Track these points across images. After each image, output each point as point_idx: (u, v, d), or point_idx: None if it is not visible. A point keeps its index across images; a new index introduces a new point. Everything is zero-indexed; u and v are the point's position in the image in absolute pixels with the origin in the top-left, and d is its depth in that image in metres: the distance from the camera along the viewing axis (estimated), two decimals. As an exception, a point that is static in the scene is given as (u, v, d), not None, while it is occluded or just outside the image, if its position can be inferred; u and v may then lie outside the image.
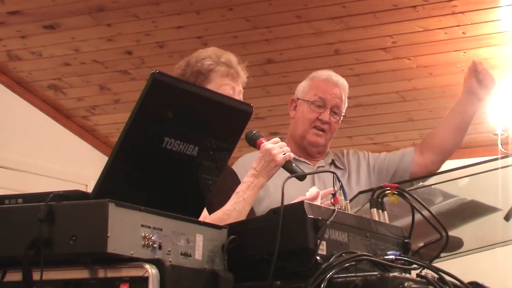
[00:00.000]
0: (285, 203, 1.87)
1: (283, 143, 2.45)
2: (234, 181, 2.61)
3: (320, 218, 1.83)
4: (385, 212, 2.14)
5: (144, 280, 1.61)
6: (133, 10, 4.95)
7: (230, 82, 2.60)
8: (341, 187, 2.14)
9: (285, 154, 2.41)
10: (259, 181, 2.39)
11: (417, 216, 2.12)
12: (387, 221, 2.13)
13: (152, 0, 4.85)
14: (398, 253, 1.94)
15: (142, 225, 1.68)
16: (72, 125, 6.32)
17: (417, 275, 1.80)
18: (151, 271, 1.62)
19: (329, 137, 3.28)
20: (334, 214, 1.88)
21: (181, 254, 1.75)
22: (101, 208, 1.61)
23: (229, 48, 2.77)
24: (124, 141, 1.71)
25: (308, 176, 2.80)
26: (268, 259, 1.80)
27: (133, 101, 1.73)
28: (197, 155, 1.85)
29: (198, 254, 1.79)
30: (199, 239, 1.79)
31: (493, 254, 3.65)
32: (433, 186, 2.92)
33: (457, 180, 2.94)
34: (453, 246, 2.74)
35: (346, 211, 2.12)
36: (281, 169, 2.41)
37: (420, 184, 3.10)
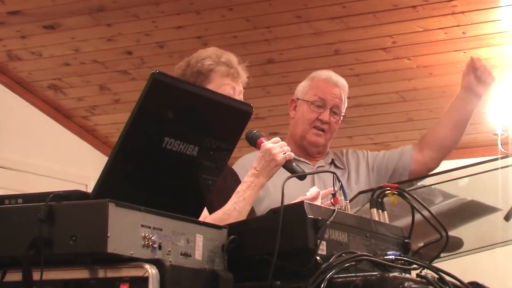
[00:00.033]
0: (285, 203, 1.87)
1: (283, 143, 2.45)
2: (235, 181, 2.61)
3: (320, 218, 1.83)
4: (385, 212, 2.14)
5: (144, 280, 1.61)
6: (133, 10, 4.95)
7: (231, 82, 2.60)
8: (341, 187, 2.14)
9: (285, 153, 2.41)
10: (259, 180, 2.39)
11: (417, 216, 2.12)
12: (387, 221, 2.13)
13: (152, 0, 4.85)
14: (398, 253, 1.94)
15: (142, 225, 1.68)
16: (72, 125, 6.32)
17: (417, 275, 1.80)
18: (151, 271, 1.62)
19: (329, 137, 3.28)
20: (334, 214, 1.88)
21: (181, 254, 1.75)
22: (101, 208, 1.61)
23: (229, 48, 2.77)
24: (124, 141, 1.71)
25: (308, 176, 2.80)
26: (268, 259, 1.80)
27: (133, 101, 1.73)
28: (197, 155, 1.85)
29: (198, 254, 1.79)
30: (199, 239, 1.79)
31: (493, 254, 3.65)
32: (433, 186, 2.92)
33: (457, 180, 2.93)
34: (453, 246, 2.73)
35: (346, 211, 2.12)
36: (281, 169, 2.41)
37: (420, 184, 3.10)
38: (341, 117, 3.28)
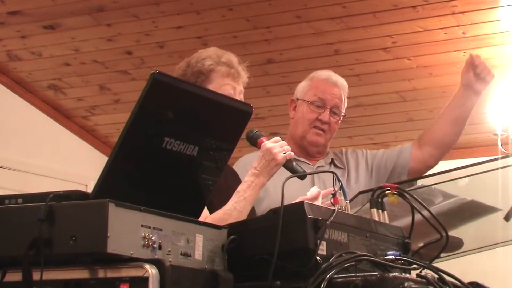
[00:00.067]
0: (286, 203, 1.87)
1: (284, 142, 2.45)
2: (235, 181, 2.61)
3: (320, 218, 1.83)
4: (385, 212, 2.14)
5: (144, 280, 1.61)
6: (133, 10, 4.96)
7: (231, 82, 2.60)
8: (341, 187, 2.14)
9: (285, 153, 2.41)
10: (260, 180, 2.39)
11: (417, 216, 2.12)
12: (387, 221, 2.13)
13: (152, 0, 4.85)
14: (398, 253, 1.94)
15: (142, 225, 1.68)
16: (72, 125, 6.32)
17: (417, 275, 1.80)
18: (151, 271, 1.62)
19: (329, 137, 3.28)
20: (334, 214, 1.88)
21: (181, 254, 1.75)
22: (101, 208, 1.61)
23: (229, 48, 2.77)
24: (124, 141, 1.71)
25: (308, 176, 2.80)
26: (268, 259, 1.80)
27: (133, 101, 1.73)
28: (197, 155, 1.85)
29: (198, 254, 1.79)
30: (199, 239, 1.79)
31: (493, 254, 3.65)
32: (433, 186, 2.91)
33: (457, 180, 2.93)
34: (453, 246, 2.73)
35: (346, 211, 2.12)
36: (281, 168, 2.41)
37: (420, 184, 3.09)
38: (341, 117, 3.28)
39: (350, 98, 3.38)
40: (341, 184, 2.15)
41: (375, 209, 2.13)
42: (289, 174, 2.30)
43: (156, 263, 1.64)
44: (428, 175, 3.25)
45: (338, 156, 3.36)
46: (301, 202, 1.89)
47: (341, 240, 1.90)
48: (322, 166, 3.29)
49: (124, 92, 5.83)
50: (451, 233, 2.17)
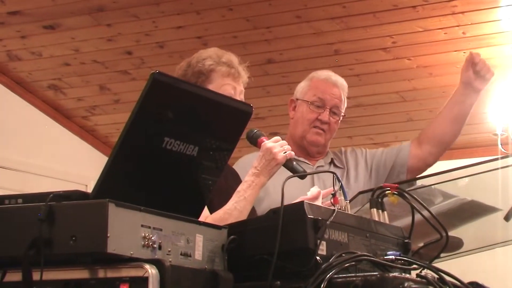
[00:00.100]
0: (286, 203, 1.87)
1: (284, 142, 2.45)
2: (235, 181, 2.61)
3: (320, 218, 1.83)
4: (385, 212, 2.14)
5: (144, 280, 1.61)
6: (133, 10, 4.95)
7: (232, 82, 2.61)
8: (341, 187, 2.14)
9: (285, 152, 2.41)
10: (260, 180, 2.39)
11: (417, 216, 2.12)
12: (387, 221, 2.13)
13: (152, 0, 4.85)
14: (398, 253, 1.94)
15: (142, 225, 1.68)
16: (72, 125, 6.32)
17: (417, 275, 1.80)
18: (151, 271, 1.62)
19: (329, 137, 3.28)
20: (334, 214, 1.88)
21: (181, 254, 1.75)
22: (101, 208, 1.61)
23: (229, 48, 2.77)
24: (124, 141, 1.71)
25: (308, 176, 2.80)
26: (268, 259, 1.80)
27: (133, 101, 1.73)
28: (197, 155, 1.85)
29: (198, 254, 1.79)
30: (199, 239, 1.79)
31: (493, 254, 3.65)
32: (433, 186, 2.91)
33: (457, 180, 2.93)
34: (453, 246, 2.73)
35: (346, 211, 2.12)
36: (282, 168, 2.41)
37: (420, 184, 3.09)
38: (341, 117, 3.28)
39: (350, 98, 3.38)
40: (341, 184, 2.15)
41: (375, 209, 2.13)
42: (289, 173, 2.30)
43: (156, 263, 1.64)
44: (428, 175, 3.25)
45: (337, 156, 3.36)
46: (301, 202, 1.89)
47: (341, 240, 1.90)
48: (322, 166, 3.29)
49: (124, 92, 5.83)
50: (451, 233, 2.17)
